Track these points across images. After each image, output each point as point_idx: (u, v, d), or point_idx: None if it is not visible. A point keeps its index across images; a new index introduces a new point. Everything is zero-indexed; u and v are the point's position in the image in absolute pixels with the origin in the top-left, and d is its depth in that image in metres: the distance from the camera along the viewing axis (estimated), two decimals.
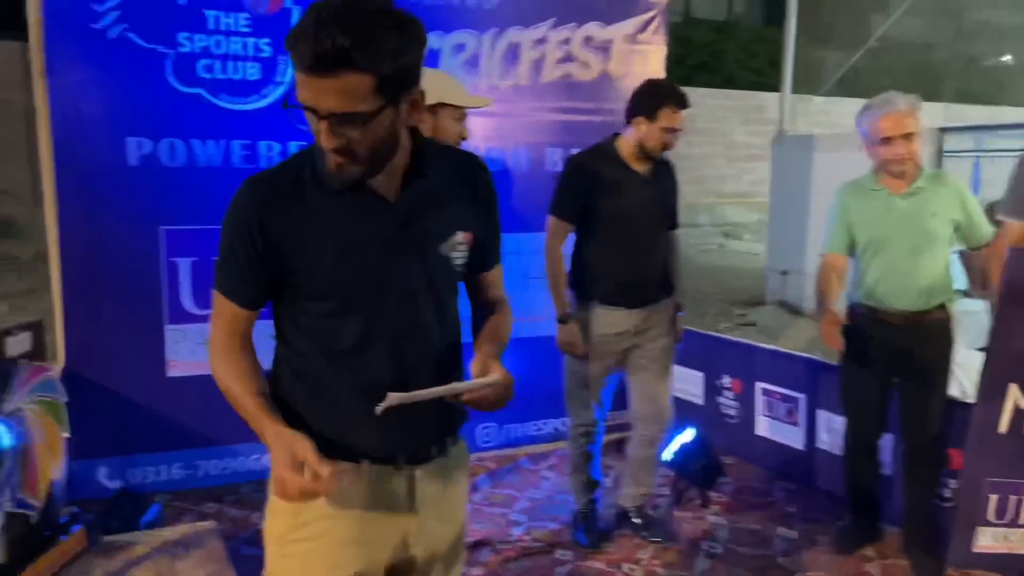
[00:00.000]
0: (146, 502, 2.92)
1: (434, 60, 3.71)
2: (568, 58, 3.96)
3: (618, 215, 2.95)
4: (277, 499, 1.34)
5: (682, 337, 3.17)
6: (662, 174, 3.07)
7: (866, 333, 2.85)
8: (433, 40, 3.70)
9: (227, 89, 3.39)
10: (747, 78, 16.80)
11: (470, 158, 1.54)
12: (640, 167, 2.99)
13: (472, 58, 3.80)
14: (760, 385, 3.81)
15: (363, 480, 1.41)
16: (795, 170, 7.44)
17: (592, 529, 3.14)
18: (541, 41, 3.91)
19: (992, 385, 1.69)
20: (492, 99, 3.16)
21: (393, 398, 1.27)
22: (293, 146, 3.48)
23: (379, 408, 1.26)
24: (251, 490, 3.48)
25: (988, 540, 1.71)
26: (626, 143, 3.00)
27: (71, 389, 3.26)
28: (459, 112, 2.61)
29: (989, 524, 1.70)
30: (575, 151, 3.98)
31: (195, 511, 3.29)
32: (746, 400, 3.89)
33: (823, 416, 3.53)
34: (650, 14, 4.11)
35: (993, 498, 1.69)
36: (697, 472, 3.49)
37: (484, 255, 1.53)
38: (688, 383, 4.08)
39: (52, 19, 3.12)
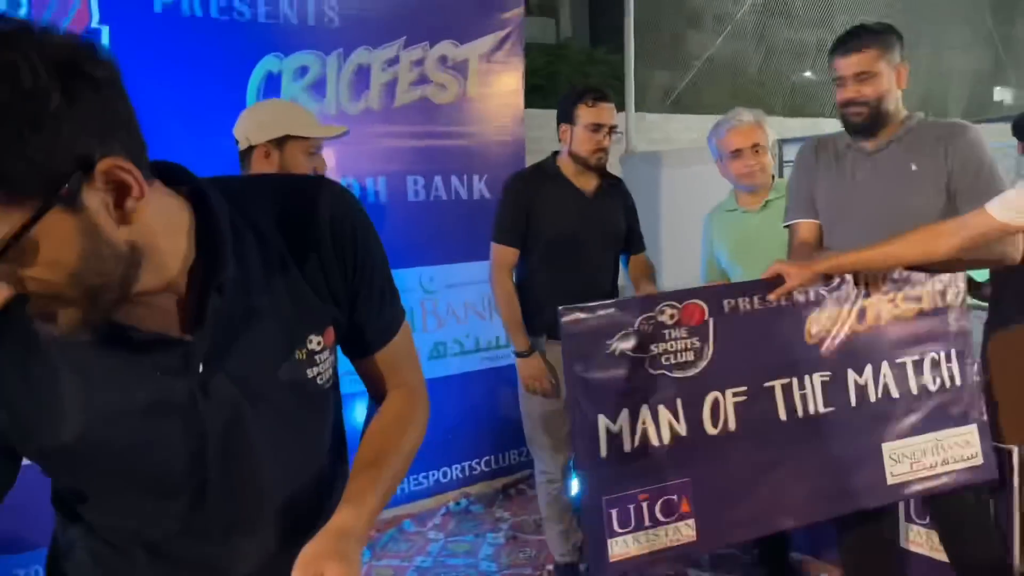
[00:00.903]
0: None
1: (275, 85, 3.32)
2: (423, 80, 3.67)
3: (559, 237, 2.73)
4: None
5: None
6: (611, 193, 2.87)
7: None
8: (272, 62, 3.31)
9: None
10: None
11: (308, 196, 0.95)
12: (584, 184, 2.79)
13: (317, 82, 3.42)
14: None
15: None
16: (645, 187, 7.51)
17: None
18: (392, 62, 3.59)
19: (583, 423, 1.88)
20: (346, 127, 2.83)
21: None
22: None
23: None
24: None
25: (620, 549, 1.88)
26: (563, 158, 2.81)
27: None
28: (309, 144, 2.27)
29: (616, 534, 1.88)
30: (438, 178, 3.75)
31: None
32: None
33: None
34: (505, 31, 3.89)
35: (613, 512, 1.88)
36: None
37: (365, 335, 1.04)
38: None
39: None
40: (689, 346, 1.95)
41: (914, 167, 2.14)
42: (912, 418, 2.17)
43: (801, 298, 2.05)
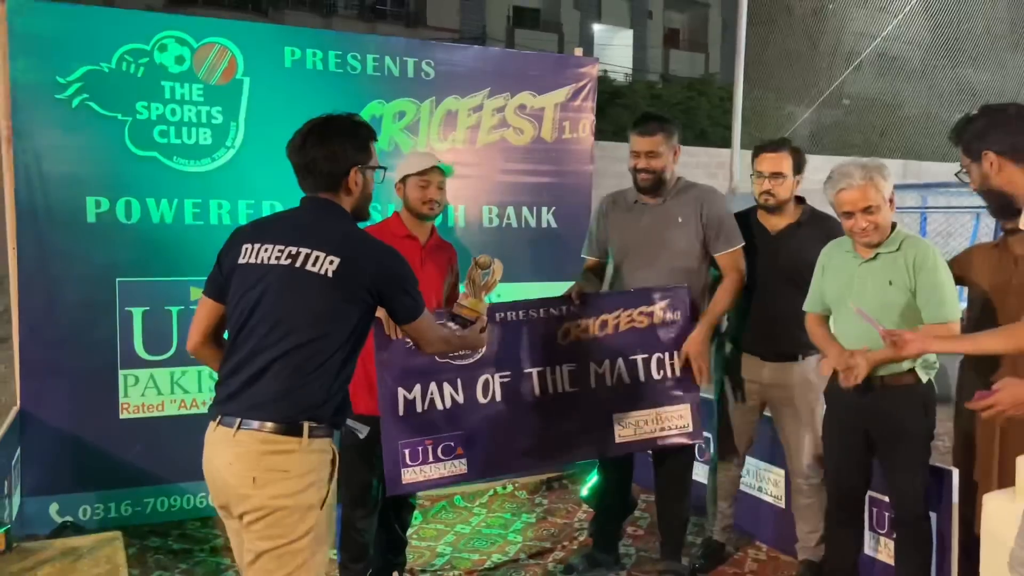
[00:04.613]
0: (87, 534, 3.13)
1: (377, 125, 4.03)
2: (503, 124, 4.29)
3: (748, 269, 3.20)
4: None
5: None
6: (799, 230, 3.22)
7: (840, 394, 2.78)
8: (376, 107, 4.04)
9: (181, 152, 3.70)
10: (719, 134, 17.30)
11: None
12: (772, 224, 3.25)
13: (412, 124, 4.12)
14: None
15: None
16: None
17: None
18: (477, 108, 4.24)
19: (386, 391, 2.77)
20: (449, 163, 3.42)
21: None
22: (242, 205, 3.78)
23: None
24: (195, 527, 3.68)
25: (410, 476, 2.79)
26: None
27: (25, 431, 3.52)
28: (420, 179, 3.02)
29: (408, 466, 2.78)
30: (510, 208, 4.36)
31: (139, 544, 3.49)
32: None
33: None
34: (580, 83, 4.46)
35: (406, 451, 2.78)
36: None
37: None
38: None
39: (20, 89, 3.44)
40: None
41: (680, 219, 3.13)
42: (639, 397, 3.03)
43: (556, 312, 3.01)
